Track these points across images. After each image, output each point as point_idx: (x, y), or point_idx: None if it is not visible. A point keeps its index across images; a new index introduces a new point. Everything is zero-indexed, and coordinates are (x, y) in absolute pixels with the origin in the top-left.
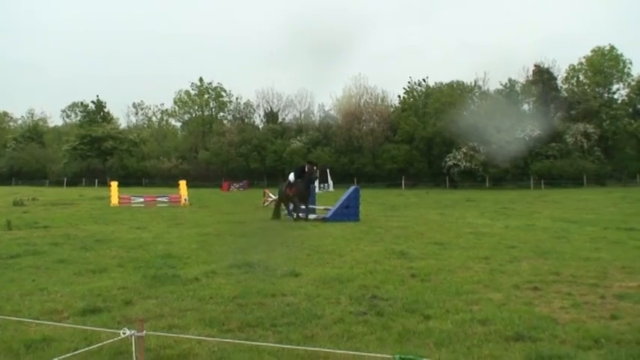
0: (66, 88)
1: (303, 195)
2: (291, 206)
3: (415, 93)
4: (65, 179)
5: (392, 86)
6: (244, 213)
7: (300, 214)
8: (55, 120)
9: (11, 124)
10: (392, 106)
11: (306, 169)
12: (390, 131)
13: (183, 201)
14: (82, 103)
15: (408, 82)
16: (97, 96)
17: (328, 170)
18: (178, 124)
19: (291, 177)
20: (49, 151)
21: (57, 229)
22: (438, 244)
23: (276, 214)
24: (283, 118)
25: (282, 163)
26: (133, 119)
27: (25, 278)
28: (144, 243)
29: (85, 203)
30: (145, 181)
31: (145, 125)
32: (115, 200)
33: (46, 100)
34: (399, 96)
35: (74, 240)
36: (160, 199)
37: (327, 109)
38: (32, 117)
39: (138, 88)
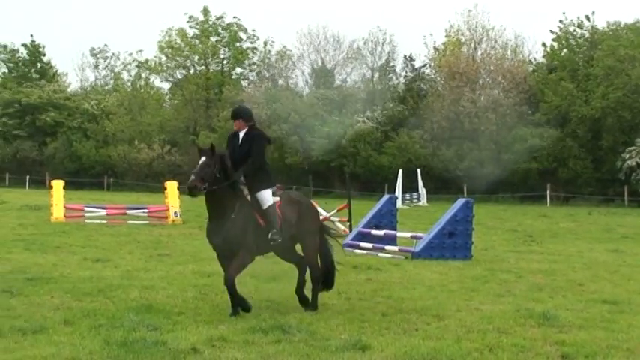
0: None
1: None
2: (354, 231)
3: (572, 40)
4: None
5: (530, 28)
6: None
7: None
8: None
9: None
10: (530, 62)
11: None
12: (527, 105)
13: (172, 216)
14: (6, 47)
15: (561, 22)
16: (32, 36)
17: (419, 171)
18: (166, 86)
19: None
20: None
21: None
22: (608, 303)
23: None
24: (344, 80)
25: (340, 155)
26: (91, 75)
27: None
28: (106, 286)
29: (9, 216)
30: (109, 181)
31: (110, 87)
32: (59, 212)
33: None
34: (544, 45)
35: None
36: (133, 211)
37: (417, 65)
38: None
39: (99, 25)
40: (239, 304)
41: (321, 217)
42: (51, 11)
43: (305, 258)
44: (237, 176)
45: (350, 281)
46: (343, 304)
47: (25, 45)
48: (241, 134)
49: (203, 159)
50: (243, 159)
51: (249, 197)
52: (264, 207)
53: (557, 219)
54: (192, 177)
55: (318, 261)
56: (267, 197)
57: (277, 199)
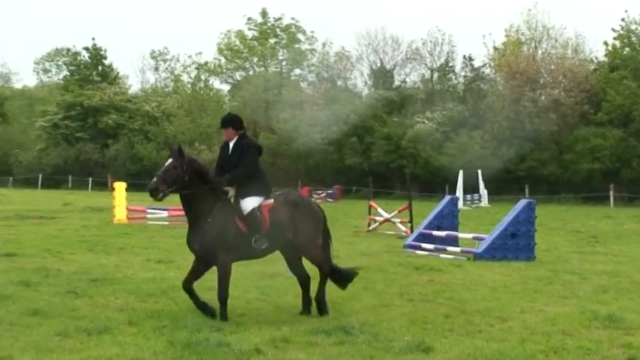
0: (43, 26)
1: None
2: (415, 233)
3: (635, 38)
4: (40, 176)
5: (591, 26)
6: (336, 241)
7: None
8: (25, 78)
9: None
10: (592, 60)
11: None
12: (589, 104)
13: None
14: (68, 50)
15: (623, 20)
16: (93, 39)
17: (479, 172)
18: (225, 88)
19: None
20: (13, 128)
21: (27, 259)
22: None
23: None
24: (403, 80)
25: (400, 156)
26: (151, 78)
27: None
28: (169, 287)
29: (72, 217)
30: None
31: (170, 89)
32: (121, 214)
33: (10, 44)
34: (605, 43)
35: (56, 278)
36: None
37: (477, 64)
38: None
39: (159, 28)
40: (202, 309)
41: (381, 218)
42: (112, 14)
43: (311, 261)
44: (221, 182)
45: (412, 283)
46: (406, 305)
47: (86, 48)
48: (231, 144)
49: (169, 160)
50: (233, 170)
51: (232, 199)
52: (245, 212)
53: (621, 220)
54: (154, 179)
55: (323, 258)
56: (251, 203)
57: (271, 201)
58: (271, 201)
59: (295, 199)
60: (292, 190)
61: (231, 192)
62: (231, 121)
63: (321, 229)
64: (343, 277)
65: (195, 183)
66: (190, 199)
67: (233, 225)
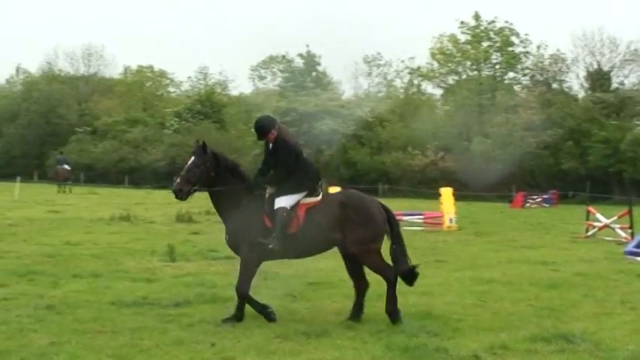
0: (258, 33)
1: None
2: (636, 239)
3: None
4: None
5: None
6: (552, 247)
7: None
8: (242, 84)
9: (172, 90)
10: None
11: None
12: None
13: (447, 222)
14: (283, 57)
15: None
16: (307, 46)
17: None
18: (438, 92)
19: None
20: (230, 134)
21: None
22: None
23: None
24: (621, 83)
25: (618, 160)
26: (364, 84)
27: (199, 340)
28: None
29: None
30: (382, 188)
31: (383, 94)
32: None
33: (227, 52)
34: None
35: (274, 281)
36: (408, 217)
37: None
38: (205, 79)
39: (372, 34)
40: (261, 312)
41: (600, 224)
42: (325, 21)
43: (369, 268)
44: (258, 186)
45: (634, 290)
46: (628, 314)
47: (300, 55)
48: (270, 143)
49: (192, 159)
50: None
51: (266, 196)
52: (274, 208)
53: None
54: (177, 179)
55: (385, 262)
56: (283, 201)
57: (315, 199)
58: (316, 199)
59: (344, 198)
60: (352, 190)
61: (270, 189)
62: (264, 130)
63: (378, 232)
64: (407, 277)
65: (223, 179)
66: (218, 196)
67: (258, 220)
